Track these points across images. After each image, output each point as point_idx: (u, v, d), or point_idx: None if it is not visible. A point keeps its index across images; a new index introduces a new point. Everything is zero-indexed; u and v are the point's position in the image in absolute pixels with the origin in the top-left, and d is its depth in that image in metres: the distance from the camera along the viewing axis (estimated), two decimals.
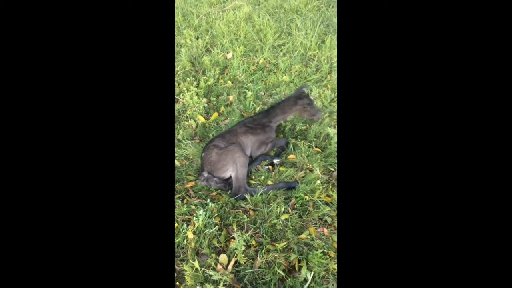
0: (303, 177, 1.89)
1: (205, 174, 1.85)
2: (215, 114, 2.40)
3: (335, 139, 2.06)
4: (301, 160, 2.00)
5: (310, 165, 1.97)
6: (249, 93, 2.55)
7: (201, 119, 2.34)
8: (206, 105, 2.49)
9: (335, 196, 1.78)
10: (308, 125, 2.30)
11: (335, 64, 2.83)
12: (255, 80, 2.78)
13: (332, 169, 1.95)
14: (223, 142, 1.94)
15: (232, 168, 1.84)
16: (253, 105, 2.49)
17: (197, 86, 2.70)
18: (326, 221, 1.69)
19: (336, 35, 3.24)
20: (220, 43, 3.22)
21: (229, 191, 1.85)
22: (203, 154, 1.92)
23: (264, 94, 2.66)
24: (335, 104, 2.46)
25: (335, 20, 3.50)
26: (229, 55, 3.03)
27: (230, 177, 1.87)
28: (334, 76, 2.73)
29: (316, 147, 2.10)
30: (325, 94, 2.53)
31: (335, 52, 2.96)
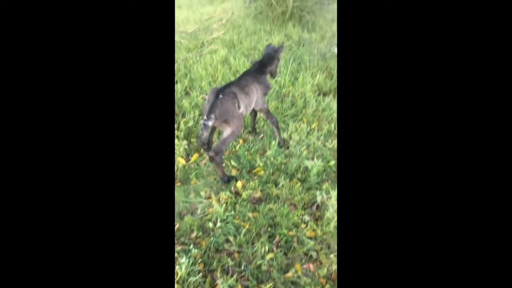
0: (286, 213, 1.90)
1: (212, 122, 1.84)
2: (196, 155, 2.43)
3: (314, 171, 2.12)
4: (284, 194, 2.02)
5: (292, 200, 1.99)
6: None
7: (182, 162, 2.36)
8: (186, 146, 2.53)
9: (318, 231, 1.79)
10: (288, 159, 2.36)
11: (308, 100, 2.98)
12: None
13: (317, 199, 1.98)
14: (239, 92, 2.00)
15: (229, 130, 1.90)
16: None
17: (177, 128, 2.76)
18: (311, 256, 1.67)
19: (307, 72, 3.46)
20: (199, 86, 3.35)
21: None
22: (220, 95, 1.89)
23: (243, 131, 2.73)
24: (311, 137, 2.55)
25: (305, 57, 3.76)
26: None
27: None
28: (309, 110, 2.87)
29: (297, 179, 2.14)
30: (301, 127, 2.64)
31: (307, 87, 3.15)
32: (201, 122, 1.90)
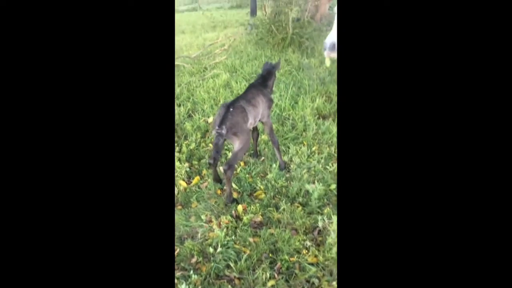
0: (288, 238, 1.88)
1: (224, 131, 1.91)
2: (197, 178, 2.44)
3: (315, 195, 2.11)
4: (285, 218, 2.01)
5: (294, 224, 1.98)
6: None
7: (183, 184, 2.37)
8: (188, 169, 2.54)
9: (320, 257, 1.76)
10: (289, 182, 2.37)
11: (308, 123, 3.04)
12: None
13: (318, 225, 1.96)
14: (247, 105, 2.09)
15: (238, 144, 1.96)
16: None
17: (179, 151, 2.78)
18: (313, 283, 1.64)
19: (307, 96, 3.55)
20: (201, 109, 3.43)
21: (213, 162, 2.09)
22: (231, 109, 1.96)
23: (245, 154, 2.76)
24: (311, 160, 2.57)
25: (305, 82, 3.87)
26: (210, 119, 3.21)
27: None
28: (309, 133, 2.91)
29: (298, 203, 2.14)
30: (302, 150, 2.66)
31: (307, 111, 3.21)
32: (214, 132, 2.01)
